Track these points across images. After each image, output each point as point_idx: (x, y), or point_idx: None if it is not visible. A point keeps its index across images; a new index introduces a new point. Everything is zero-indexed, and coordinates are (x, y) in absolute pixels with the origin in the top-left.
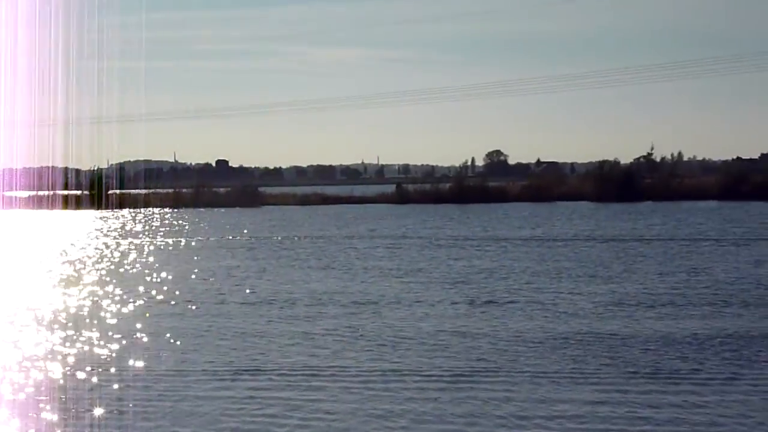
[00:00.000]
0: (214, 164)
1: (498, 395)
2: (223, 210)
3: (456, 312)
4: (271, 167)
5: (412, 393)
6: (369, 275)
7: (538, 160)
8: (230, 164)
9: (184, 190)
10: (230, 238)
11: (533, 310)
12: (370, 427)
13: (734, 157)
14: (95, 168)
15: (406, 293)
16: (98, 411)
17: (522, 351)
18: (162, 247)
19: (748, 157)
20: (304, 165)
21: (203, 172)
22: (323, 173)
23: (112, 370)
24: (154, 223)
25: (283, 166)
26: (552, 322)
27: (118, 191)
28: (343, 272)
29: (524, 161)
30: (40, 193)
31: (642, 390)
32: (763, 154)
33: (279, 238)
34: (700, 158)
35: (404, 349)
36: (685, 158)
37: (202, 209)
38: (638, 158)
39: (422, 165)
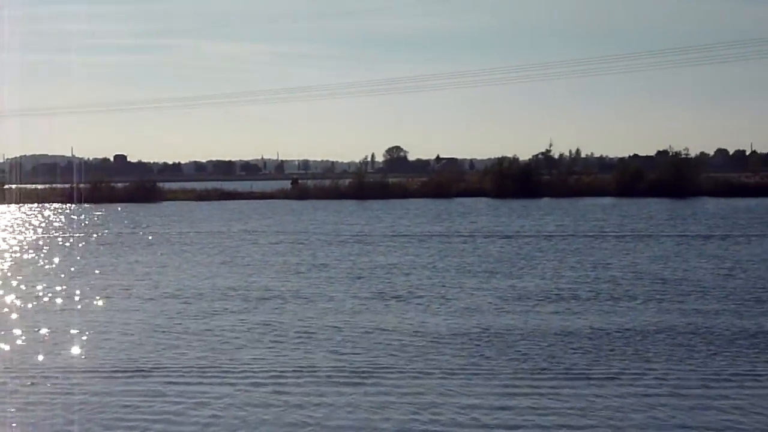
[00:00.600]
0: (112, 159)
1: (398, 393)
2: (121, 205)
3: (360, 307)
4: (170, 162)
5: (311, 391)
6: (272, 271)
7: (438, 157)
8: (128, 159)
9: (82, 185)
10: (130, 233)
11: (436, 306)
12: (264, 428)
13: (631, 154)
14: None
15: (309, 288)
16: None
17: (424, 347)
18: (61, 243)
19: (644, 155)
20: (204, 160)
21: (101, 167)
22: (222, 168)
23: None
24: (52, 219)
25: (182, 162)
26: (454, 317)
27: (14, 186)
28: (246, 267)
29: (424, 157)
30: None
31: (542, 386)
32: (659, 152)
33: (180, 233)
34: (597, 155)
35: (307, 346)
36: (583, 155)
37: (100, 204)
38: (537, 155)
39: (322, 161)
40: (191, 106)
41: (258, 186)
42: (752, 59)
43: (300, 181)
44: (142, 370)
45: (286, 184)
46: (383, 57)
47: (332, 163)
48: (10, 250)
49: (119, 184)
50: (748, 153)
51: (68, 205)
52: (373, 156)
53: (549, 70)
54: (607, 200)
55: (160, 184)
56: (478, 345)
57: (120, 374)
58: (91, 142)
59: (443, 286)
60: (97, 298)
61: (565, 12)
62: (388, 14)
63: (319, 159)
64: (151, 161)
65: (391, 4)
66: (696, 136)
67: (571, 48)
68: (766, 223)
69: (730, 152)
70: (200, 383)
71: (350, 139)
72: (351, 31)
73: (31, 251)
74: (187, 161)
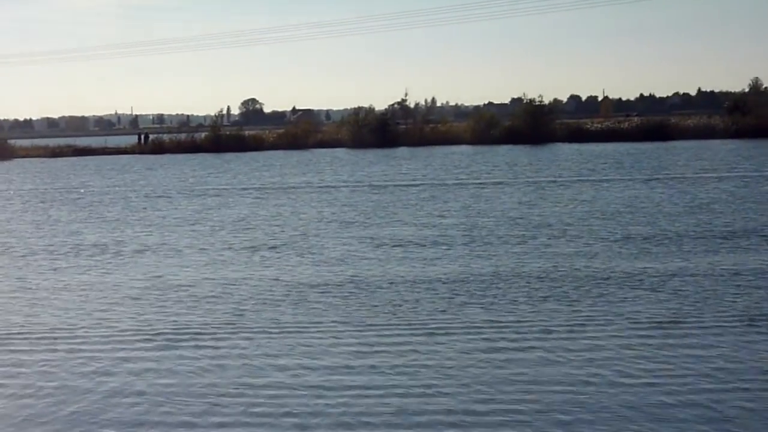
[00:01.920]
0: None
1: (259, 347)
2: None
3: (222, 260)
4: (21, 119)
5: (170, 352)
6: (136, 225)
7: (294, 108)
8: None
9: None
10: None
11: (301, 257)
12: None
13: (486, 102)
14: None
15: (172, 242)
16: None
17: (287, 299)
18: None
19: (499, 102)
20: (56, 116)
21: None
22: (75, 124)
23: None
24: None
25: (34, 118)
26: (320, 267)
27: None
28: (109, 223)
29: (280, 109)
30: None
31: (401, 339)
32: (513, 99)
33: (34, 189)
34: (453, 104)
35: (166, 302)
36: (439, 104)
37: None
38: (393, 104)
39: (177, 114)
40: (42, 61)
41: (113, 141)
42: (600, 6)
43: (153, 136)
44: None
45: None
46: (237, 8)
47: (187, 116)
48: None
49: None
50: (600, 99)
51: None
52: (228, 109)
53: (402, 19)
54: (463, 148)
55: (12, 141)
56: (341, 296)
57: None
58: None
59: (308, 236)
60: None
61: None
62: None
63: (174, 113)
64: (1, 118)
65: None
66: (550, 83)
67: None
68: (619, 166)
69: (583, 98)
70: (48, 349)
71: (205, 93)
72: None
73: None
74: (39, 117)
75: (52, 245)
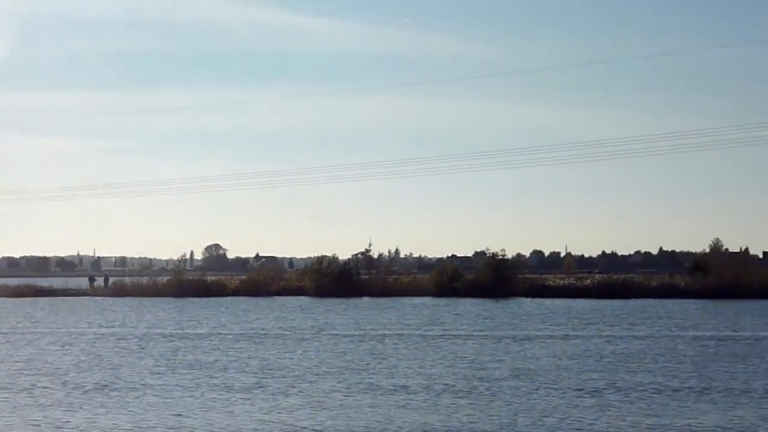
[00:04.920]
0: None
1: None
2: None
3: (218, 402)
4: None
5: None
6: (125, 367)
7: (257, 255)
8: None
9: None
10: None
11: (293, 399)
12: None
13: (450, 254)
14: None
15: (162, 384)
16: None
17: None
18: None
19: (462, 255)
20: (17, 256)
21: None
22: (36, 264)
23: None
24: None
25: None
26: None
27: None
28: (98, 363)
29: (243, 255)
30: None
31: None
32: (477, 252)
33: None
34: (416, 255)
35: None
36: (402, 255)
37: None
38: (356, 254)
39: (140, 258)
40: (4, 200)
41: (73, 283)
42: (564, 163)
43: (113, 279)
44: None
45: (102, 282)
46: (202, 155)
47: (150, 260)
48: None
49: None
50: (562, 255)
51: None
52: (192, 253)
53: (368, 170)
54: (425, 300)
55: None
56: None
57: None
58: None
59: (297, 381)
60: None
61: (382, 113)
62: (207, 111)
63: (136, 256)
64: None
65: (213, 102)
66: (512, 238)
67: (389, 149)
68: (589, 322)
69: (546, 254)
70: None
71: (168, 236)
72: (166, 127)
73: None
74: (0, 257)
75: (36, 384)
